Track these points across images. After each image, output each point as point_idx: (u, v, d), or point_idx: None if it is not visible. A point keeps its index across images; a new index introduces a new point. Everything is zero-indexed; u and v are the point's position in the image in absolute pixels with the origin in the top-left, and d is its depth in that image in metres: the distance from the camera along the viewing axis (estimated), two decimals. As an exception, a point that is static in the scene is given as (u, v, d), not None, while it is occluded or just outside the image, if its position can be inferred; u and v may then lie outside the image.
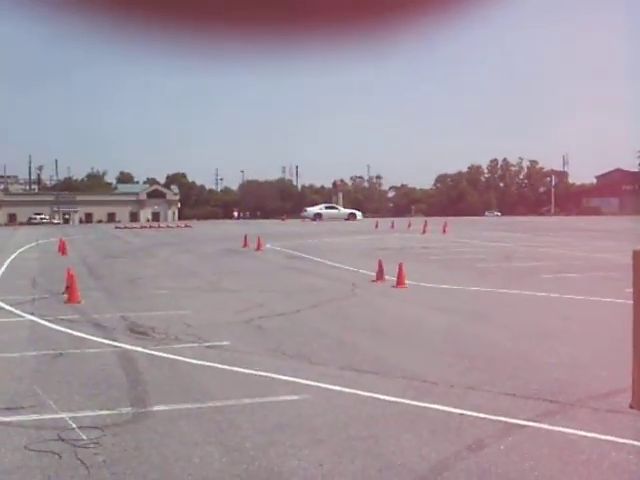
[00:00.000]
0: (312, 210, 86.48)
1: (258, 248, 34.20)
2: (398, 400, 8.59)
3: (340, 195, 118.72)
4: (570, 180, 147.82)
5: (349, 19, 2.29)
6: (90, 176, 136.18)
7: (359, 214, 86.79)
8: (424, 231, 50.60)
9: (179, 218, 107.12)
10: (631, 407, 4.95)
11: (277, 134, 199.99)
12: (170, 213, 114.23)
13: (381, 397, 8.73)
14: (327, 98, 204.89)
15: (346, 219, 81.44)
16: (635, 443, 6.77)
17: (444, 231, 50.40)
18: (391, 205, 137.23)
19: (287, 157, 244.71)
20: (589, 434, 7.29)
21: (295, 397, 8.78)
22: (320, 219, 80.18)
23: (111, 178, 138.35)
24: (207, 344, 11.98)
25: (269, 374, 9.88)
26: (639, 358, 4.70)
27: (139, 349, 11.64)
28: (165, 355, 11.20)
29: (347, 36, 2.34)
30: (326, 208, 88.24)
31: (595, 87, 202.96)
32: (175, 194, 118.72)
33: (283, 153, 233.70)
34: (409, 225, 60.84)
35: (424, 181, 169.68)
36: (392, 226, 61.04)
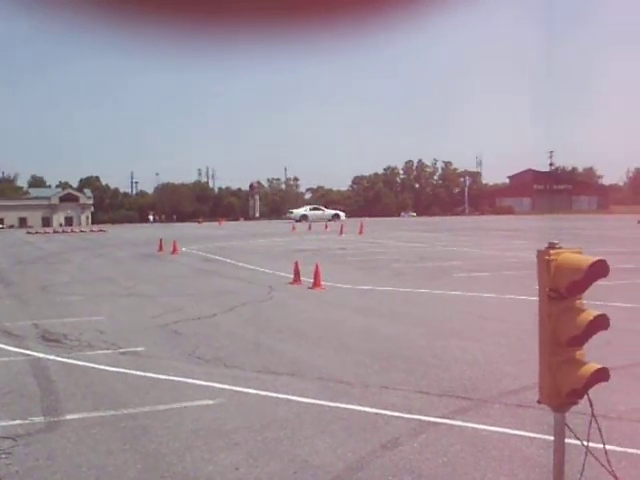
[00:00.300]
0: (298, 212, 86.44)
1: (174, 252, 33.91)
2: (314, 401, 8.64)
3: (257, 197, 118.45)
4: (483, 180, 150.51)
5: (258, 22, 2.30)
6: (0, 180, 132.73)
7: (342, 215, 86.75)
8: (341, 232, 50.89)
9: (93, 222, 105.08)
10: (539, 402, 5.07)
11: (193, 136, 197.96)
12: (84, 217, 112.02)
13: (297, 399, 8.78)
14: (244, 100, 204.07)
15: (330, 220, 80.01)
16: (545, 437, 6.93)
17: (360, 232, 50.78)
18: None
19: (203, 159, 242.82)
20: (500, 429, 7.48)
21: (210, 402, 8.76)
22: (306, 220, 78.74)
23: (22, 182, 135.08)
24: (121, 350, 11.83)
25: (184, 379, 9.84)
26: (545, 354, 4.82)
27: (52, 357, 11.42)
28: (78, 363, 11.01)
29: (261, 37, 2.35)
30: (311, 210, 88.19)
31: (507, 89, 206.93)
32: (88, 198, 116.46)
33: (199, 155, 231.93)
34: (326, 226, 61.11)
35: (341, 183, 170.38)
36: (309, 228, 61.22)
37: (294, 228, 60.01)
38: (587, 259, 4.67)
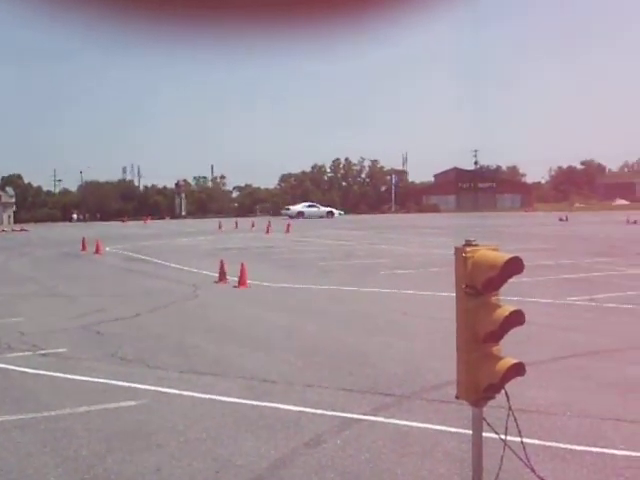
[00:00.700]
0: (295, 208, 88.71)
1: (97, 251, 33.39)
2: (237, 401, 8.62)
3: (183, 196, 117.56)
4: (410, 179, 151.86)
5: (182, 19, 2.28)
6: None
7: (337, 212, 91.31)
8: (268, 231, 50.80)
9: (15, 222, 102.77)
10: (457, 397, 5.14)
11: (119, 133, 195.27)
12: (5, 217, 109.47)
13: (220, 398, 8.75)
14: (171, 97, 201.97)
15: (323, 217, 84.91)
16: (466, 432, 7.01)
17: (287, 230, 50.79)
18: (235, 205, 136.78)
19: (128, 157, 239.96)
20: (423, 425, 7.56)
21: (133, 403, 8.66)
22: (302, 217, 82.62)
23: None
24: (42, 352, 11.61)
25: (107, 380, 9.71)
26: (462, 350, 4.89)
27: (-31, 360, 11.14)
28: (-3, 365, 10.77)
29: (187, 34, 2.33)
30: (308, 207, 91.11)
31: (433, 88, 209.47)
32: (10, 196, 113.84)
33: (124, 153, 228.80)
34: (253, 225, 60.96)
35: (268, 181, 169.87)
36: (236, 226, 60.99)
37: (220, 227, 59.66)
38: (502, 256, 4.75)
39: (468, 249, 4.86)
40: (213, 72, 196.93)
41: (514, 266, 4.73)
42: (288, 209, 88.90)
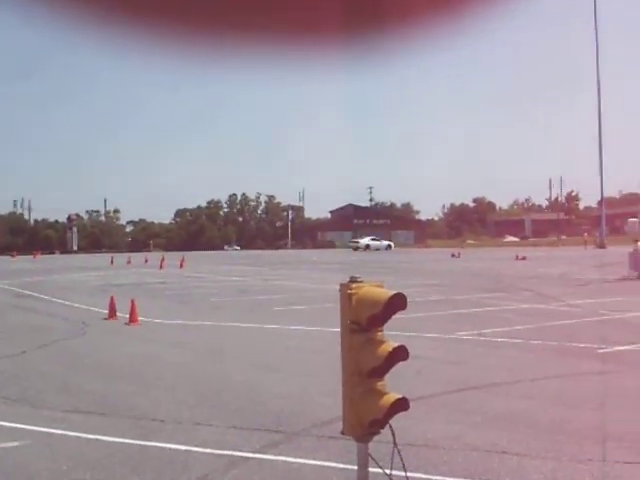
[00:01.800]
0: (364, 242, 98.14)
1: (-17, 288, 32.34)
2: (124, 441, 8.41)
3: (75, 230, 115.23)
4: (306, 214, 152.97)
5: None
6: None
7: (392, 244, 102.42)
8: (161, 266, 50.21)
9: None
10: (342, 433, 5.14)
11: (7, 165, 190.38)
12: None
13: (107, 439, 8.51)
14: (62, 129, 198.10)
15: (381, 249, 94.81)
16: (354, 468, 7.02)
17: (181, 266, 50.30)
18: (129, 240, 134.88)
19: (19, 189, 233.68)
20: (311, 462, 7.52)
21: (16, 443, 8.35)
22: (369, 249, 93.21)
23: None
24: None
25: (-12, 421, 9.34)
26: (347, 386, 4.90)
27: None
28: None
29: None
30: (372, 240, 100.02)
31: (329, 125, 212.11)
32: None
33: (14, 185, 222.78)
34: (146, 260, 60.13)
35: (163, 216, 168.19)
36: (129, 261, 60.06)
37: (113, 262, 58.66)
38: (386, 292, 4.80)
39: (353, 285, 4.90)
40: (106, 106, 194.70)
41: (398, 302, 4.78)
42: (357, 242, 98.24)
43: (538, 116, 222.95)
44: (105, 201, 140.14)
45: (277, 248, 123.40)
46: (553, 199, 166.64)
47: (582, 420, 9.06)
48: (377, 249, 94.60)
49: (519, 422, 9.02)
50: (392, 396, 4.87)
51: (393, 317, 4.98)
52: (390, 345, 4.81)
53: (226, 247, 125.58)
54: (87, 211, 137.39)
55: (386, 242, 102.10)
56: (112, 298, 20.67)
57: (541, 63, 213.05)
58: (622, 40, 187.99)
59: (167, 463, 7.57)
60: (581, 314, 20.16)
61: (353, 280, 4.94)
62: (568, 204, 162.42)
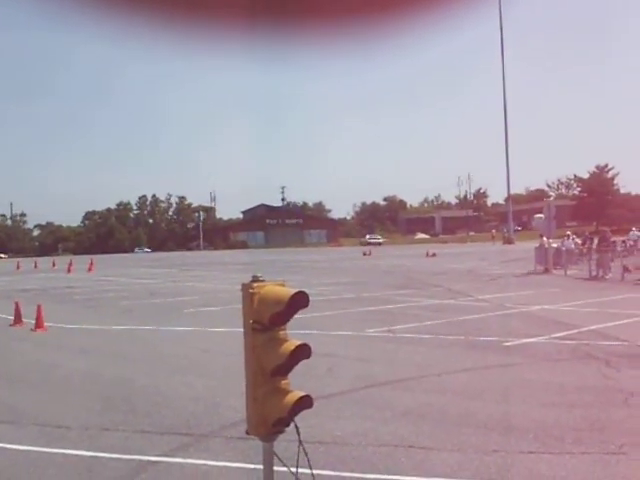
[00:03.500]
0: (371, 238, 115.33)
1: None
2: (29, 448, 8.22)
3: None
4: (218, 215, 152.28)
5: None
6: None
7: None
8: (69, 270, 49.27)
9: None
10: (247, 433, 5.12)
11: None
12: None
13: (12, 447, 8.33)
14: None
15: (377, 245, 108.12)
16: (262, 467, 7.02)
17: (90, 270, 49.46)
18: (37, 244, 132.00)
19: None
20: (221, 463, 7.48)
21: None
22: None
23: None
24: None
25: None
26: (250, 385, 4.89)
27: None
28: None
29: None
30: (370, 238, 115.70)
31: (240, 128, 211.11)
32: None
33: None
34: (53, 264, 58.89)
35: (71, 219, 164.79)
36: (35, 266, 58.74)
37: (19, 267, 57.27)
38: (288, 291, 4.78)
39: (254, 285, 4.87)
40: (6, 103, 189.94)
41: (300, 300, 4.77)
42: (371, 237, 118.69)
43: (446, 115, 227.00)
44: (11, 205, 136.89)
45: (189, 249, 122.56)
46: (462, 196, 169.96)
47: (488, 412, 9.23)
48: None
49: (427, 416, 9.15)
50: (295, 394, 4.86)
51: (303, 315, 4.98)
52: (293, 343, 4.80)
53: (136, 249, 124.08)
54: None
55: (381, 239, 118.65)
56: (17, 304, 20.18)
57: (448, 61, 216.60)
58: (527, 38, 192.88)
59: (72, 469, 7.43)
60: (488, 308, 20.59)
61: (255, 279, 4.92)
62: (477, 201, 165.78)
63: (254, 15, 2.42)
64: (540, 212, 40.63)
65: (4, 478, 7.23)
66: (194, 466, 7.44)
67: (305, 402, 4.89)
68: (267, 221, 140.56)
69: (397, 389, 10.83)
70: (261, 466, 7.01)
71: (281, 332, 4.89)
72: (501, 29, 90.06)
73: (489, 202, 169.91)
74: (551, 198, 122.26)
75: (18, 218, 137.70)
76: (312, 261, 57.82)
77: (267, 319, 4.79)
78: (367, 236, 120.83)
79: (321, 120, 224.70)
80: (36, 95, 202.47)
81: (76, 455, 7.89)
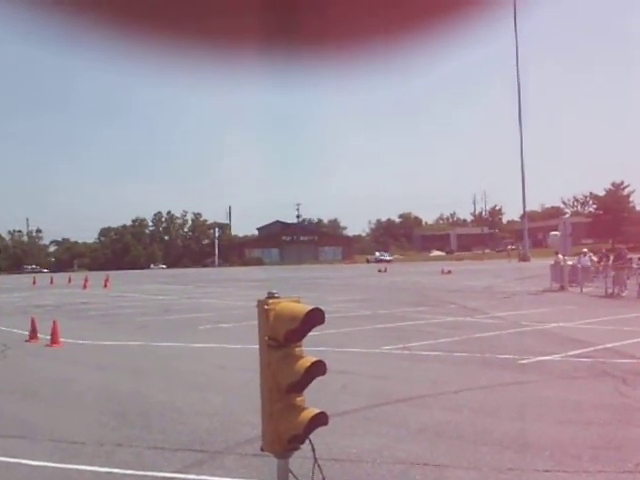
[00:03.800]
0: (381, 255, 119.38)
1: None
2: (44, 464, 8.23)
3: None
4: (233, 232, 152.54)
5: None
6: None
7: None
8: (85, 286, 49.43)
9: None
10: (262, 450, 5.11)
11: None
12: None
13: (27, 462, 8.34)
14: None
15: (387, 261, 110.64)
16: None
17: (106, 285, 49.62)
18: (53, 260, 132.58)
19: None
20: (234, 480, 7.46)
21: None
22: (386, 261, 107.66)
23: None
24: None
25: None
26: (266, 402, 4.88)
27: None
28: None
29: None
30: (380, 255, 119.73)
31: (257, 145, 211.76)
32: None
33: None
34: (69, 280, 59.11)
35: (87, 235, 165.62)
36: (51, 282, 58.98)
37: (35, 282, 57.53)
38: (303, 308, 4.79)
39: (270, 301, 4.88)
40: (22, 120, 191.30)
41: (315, 317, 4.78)
42: (385, 255, 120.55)
43: (462, 132, 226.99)
44: (27, 221, 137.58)
45: (204, 266, 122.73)
46: (477, 214, 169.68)
47: (504, 430, 9.18)
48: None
49: (443, 434, 9.10)
50: (311, 411, 4.86)
51: (319, 332, 4.98)
52: (308, 360, 4.80)
53: (152, 265, 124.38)
54: (9, 231, 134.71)
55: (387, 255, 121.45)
56: (33, 320, 20.25)
57: (463, 77, 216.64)
58: (543, 53, 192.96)
59: (87, 486, 7.43)
60: (504, 326, 20.50)
61: (270, 296, 4.93)
62: (492, 218, 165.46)
63: (268, 34, 2.44)
64: (556, 229, 40.49)
65: (19, 493, 7.25)
66: (208, 483, 7.44)
67: (320, 419, 4.89)
68: (282, 238, 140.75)
69: (412, 406, 10.79)
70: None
71: (297, 349, 4.90)
72: (516, 44, 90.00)
73: (504, 219, 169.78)
74: (567, 215, 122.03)
75: (34, 234, 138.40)
76: (327, 278, 57.81)
77: (282, 336, 4.80)
78: (377, 253, 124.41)
79: (336, 137, 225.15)
80: (53, 111, 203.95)
81: (91, 471, 7.89)
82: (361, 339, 18.12)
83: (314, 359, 4.82)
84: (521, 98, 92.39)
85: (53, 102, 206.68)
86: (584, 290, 32.89)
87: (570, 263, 36.20)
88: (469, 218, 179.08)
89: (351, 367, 13.72)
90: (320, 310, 4.80)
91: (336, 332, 18.06)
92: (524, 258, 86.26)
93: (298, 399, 4.92)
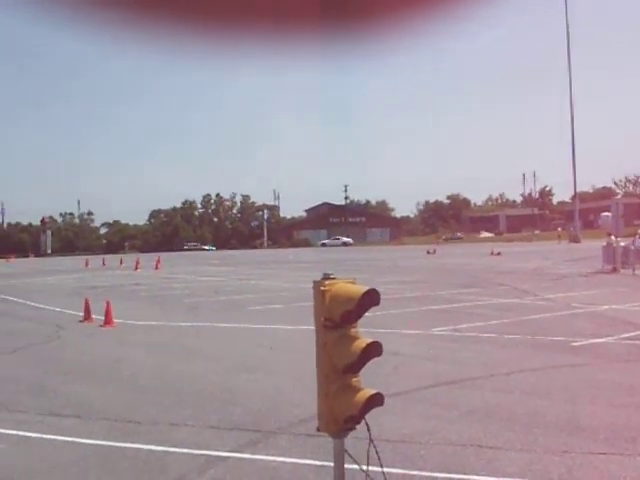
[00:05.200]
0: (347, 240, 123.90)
1: (-45, 292, 32.02)
2: (100, 443, 8.37)
3: (49, 233, 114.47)
4: (281, 214, 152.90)
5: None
6: None
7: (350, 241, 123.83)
8: (136, 268, 50.00)
9: None
10: (318, 430, 5.15)
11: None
12: None
13: (83, 441, 8.46)
14: (33, 131, 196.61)
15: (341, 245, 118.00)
16: (331, 464, 7.03)
17: (157, 267, 50.13)
18: (104, 242, 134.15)
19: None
20: (289, 460, 7.52)
21: (-8, 447, 8.28)
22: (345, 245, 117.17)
23: None
24: None
25: (-37, 426, 9.25)
26: (322, 383, 4.91)
27: None
28: None
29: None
30: (333, 239, 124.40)
31: (304, 124, 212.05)
32: None
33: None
34: (121, 262, 59.81)
35: (138, 217, 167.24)
36: (103, 264, 59.75)
37: (87, 264, 58.31)
38: (359, 289, 4.80)
39: (326, 282, 4.90)
40: (72, 104, 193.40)
41: (371, 298, 4.79)
42: (338, 239, 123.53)
43: (511, 112, 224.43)
44: (79, 203, 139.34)
45: (253, 248, 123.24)
46: (527, 194, 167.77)
47: (557, 412, 9.12)
48: (333, 246, 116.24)
49: (495, 416, 9.07)
50: (367, 392, 4.88)
51: (369, 314, 4.99)
52: (364, 341, 4.82)
53: (199, 246, 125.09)
54: (61, 213, 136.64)
55: (343, 239, 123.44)
56: (87, 300, 20.55)
57: (513, 59, 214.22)
58: (593, 33, 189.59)
59: (144, 464, 7.54)
60: (555, 308, 20.32)
61: (326, 277, 4.94)
62: (542, 199, 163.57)
63: (319, 15, 2.43)
64: (607, 210, 39.91)
65: (75, 472, 7.37)
66: (263, 462, 7.50)
67: (376, 400, 4.91)
68: (330, 219, 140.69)
69: (463, 388, 10.77)
70: (329, 463, 7.06)
71: (352, 330, 4.91)
72: (567, 22, 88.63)
73: (555, 200, 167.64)
74: (618, 196, 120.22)
75: (86, 216, 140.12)
76: (375, 259, 57.72)
77: (339, 316, 4.82)
78: (343, 238, 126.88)
79: (385, 118, 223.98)
80: (110, 96, 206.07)
81: (147, 450, 8.01)
82: (411, 321, 18.11)
83: (370, 340, 4.83)
84: (572, 76, 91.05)
85: (119, 90, 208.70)
86: (637, 272, 32.43)
87: (623, 244, 35.66)
88: (518, 199, 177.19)
89: (402, 349, 13.71)
90: (376, 291, 4.81)
91: (386, 313, 18.03)
92: (575, 239, 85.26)
93: (354, 380, 4.94)
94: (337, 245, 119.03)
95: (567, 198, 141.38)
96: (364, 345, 4.78)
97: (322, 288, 4.89)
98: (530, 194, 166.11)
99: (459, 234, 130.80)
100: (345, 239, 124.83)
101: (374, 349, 4.85)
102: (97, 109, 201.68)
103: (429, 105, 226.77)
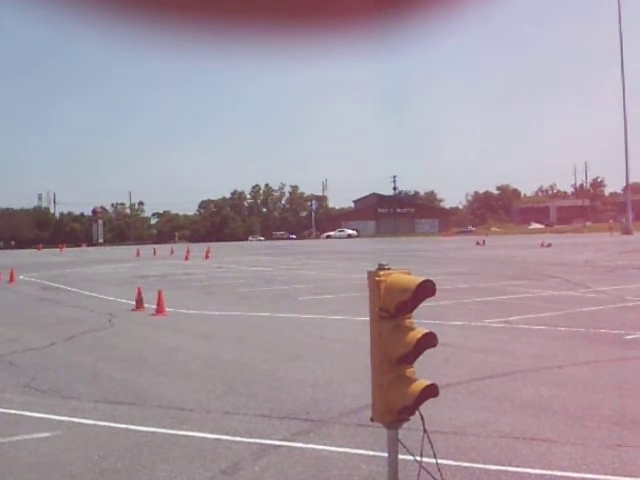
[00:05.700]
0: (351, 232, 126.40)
1: (11, 280, 32.59)
2: (154, 430, 8.46)
3: (100, 222, 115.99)
4: (330, 204, 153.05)
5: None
6: None
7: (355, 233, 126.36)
8: (187, 257, 50.45)
9: None
10: (372, 420, 5.15)
11: (33, 160, 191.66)
12: None
13: (136, 428, 8.56)
14: (85, 122, 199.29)
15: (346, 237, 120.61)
16: (383, 454, 7.04)
17: (207, 257, 50.53)
18: (154, 232, 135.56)
19: (43, 183, 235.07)
20: (340, 449, 7.54)
21: (47, 434, 8.41)
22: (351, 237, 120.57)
23: None
24: (-48, 384, 11.23)
25: (20, 412, 9.43)
26: (376, 373, 4.91)
27: None
28: None
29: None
30: (339, 231, 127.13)
31: (353, 115, 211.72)
32: None
33: (39, 179, 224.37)
34: (171, 252, 60.39)
35: (187, 207, 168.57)
36: (154, 253, 60.34)
37: (139, 254, 58.94)
38: (415, 279, 4.79)
39: (381, 273, 4.89)
40: (121, 96, 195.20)
41: (426, 289, 4.78)
42: (342, 230, 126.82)
43: (562, 102, 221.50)
44: (130, 194, 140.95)
45: (301, 238, 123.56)
46: (578, 185, 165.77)
47: (611, 406, 9.01)
48: (339, 238, 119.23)
49: (547, 409, 8.99)
50: (422, 382, 4.87)
51: (420, 305, 4.98)
52: (419, 332, 4.81)
53: (250, 237, 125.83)
54: (112, 204, 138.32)
55: (347, 231, 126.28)
56: (139, 289, 20.81)
57: (566, 48, 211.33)
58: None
59: (197, 451, 7.61)
60: (608, 300, 20.05)
61: (381, 267, 4.94)
62: (593, 190, 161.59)
63: (369, 1, 2.43)
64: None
65: (129, 458, 7.46)
66: (315, 451, 7.53)
67: (431, 391, 4.90)
68: (378, 210, 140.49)
69: (516, 380, 10.69)
70: (380, 453, 7.09)
71: (407, 320, 4.90)
72: (619, 10, 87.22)
73: (606, 191, 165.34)
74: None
75: (137, 207, 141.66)
76: (424, 250, 57.51)
77: (394, 307, 4.81)
78: (347, 230, 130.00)
79: (434, 108, 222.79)
80: (160, 87, 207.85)
81: (200, 437, 8.08)
82: (462, 312, 18.01)
83: (425, 331, 4.82)
84: (624, 66, 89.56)
85: (164, 80, 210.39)
86: (692, 265, 31.89)
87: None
88: (569, 190, 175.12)
89: (453, 340, 13.65)
90: (431, 282, 4.79)
91: (436, 304, 17.91)
92: (627, 231, 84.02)
93: (409, 370, 4.93)
94: (343, 237, 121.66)
95: (619, 189, 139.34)
96: (419, 336, 4.77)
97: (377, 278, 4.88)
98: (581, 185, 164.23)
99: (471, 227, 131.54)
100: (350, 231, 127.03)
101: (429, 340, 4.84)
102: (146, 100, 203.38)
103: (480, 94, 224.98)
